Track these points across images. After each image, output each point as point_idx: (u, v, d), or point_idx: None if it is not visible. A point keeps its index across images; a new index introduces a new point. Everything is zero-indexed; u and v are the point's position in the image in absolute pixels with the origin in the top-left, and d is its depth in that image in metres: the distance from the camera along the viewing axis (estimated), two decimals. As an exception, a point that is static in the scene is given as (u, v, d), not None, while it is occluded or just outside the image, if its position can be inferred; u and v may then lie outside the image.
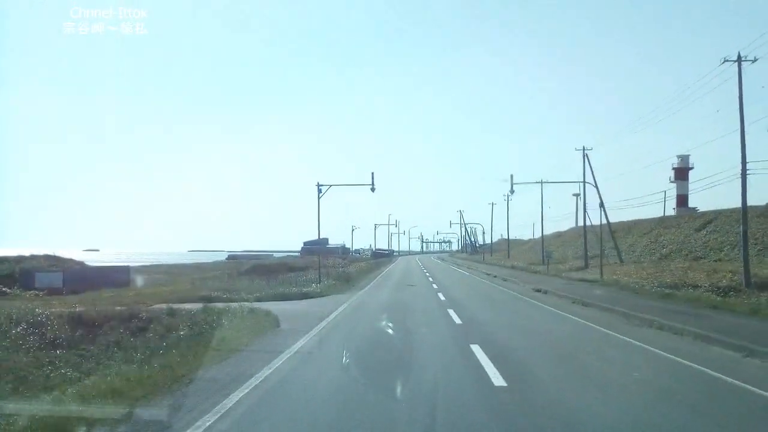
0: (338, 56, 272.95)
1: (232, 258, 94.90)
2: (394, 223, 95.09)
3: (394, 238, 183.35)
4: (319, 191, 35.32)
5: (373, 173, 35.28)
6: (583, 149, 43.34)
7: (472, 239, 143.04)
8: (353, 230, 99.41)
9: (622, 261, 43.99)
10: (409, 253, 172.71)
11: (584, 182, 44.05)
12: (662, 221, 52.64)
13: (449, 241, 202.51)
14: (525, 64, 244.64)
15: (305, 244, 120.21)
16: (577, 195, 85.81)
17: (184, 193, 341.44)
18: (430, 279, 41.83)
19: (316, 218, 37.68)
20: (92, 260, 67.63)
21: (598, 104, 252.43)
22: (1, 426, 6.14)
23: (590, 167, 43.17)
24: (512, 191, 45.17)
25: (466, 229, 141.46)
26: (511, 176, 42.57)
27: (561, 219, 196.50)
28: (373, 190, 35.65)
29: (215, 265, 68.72)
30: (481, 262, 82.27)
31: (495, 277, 43.41)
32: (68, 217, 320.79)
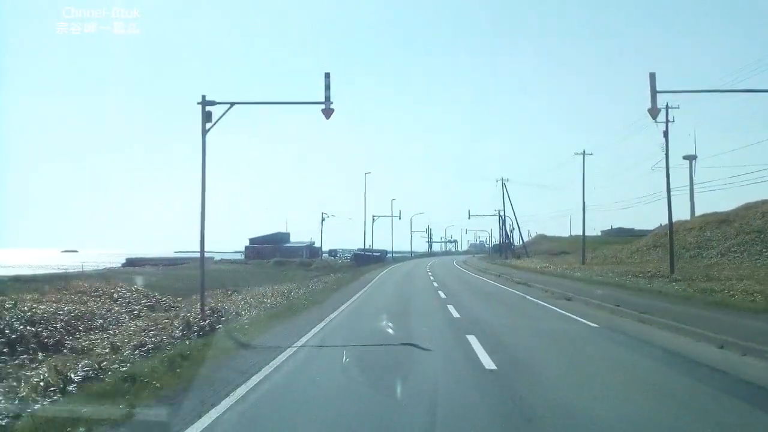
0: (334, 56, 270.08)
1: (130, 263, 60.43)
2: (363, 180, 66.64)
3: (387, 228, 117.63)
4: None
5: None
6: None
7: (508, 236, 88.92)
8: (323, 219, 68.57)
9: None
10: (411, 254, 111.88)
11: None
12: None
13: (455, 241, 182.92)
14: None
15: (251, 241, 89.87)
16: (691, 157, 65.11)
17: (173, 193, 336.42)
18: None
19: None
20: (70, 265, 54.12)
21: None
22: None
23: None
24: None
25: (505, 218, 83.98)
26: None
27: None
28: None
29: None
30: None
31: None
32: (48, 216, 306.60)
